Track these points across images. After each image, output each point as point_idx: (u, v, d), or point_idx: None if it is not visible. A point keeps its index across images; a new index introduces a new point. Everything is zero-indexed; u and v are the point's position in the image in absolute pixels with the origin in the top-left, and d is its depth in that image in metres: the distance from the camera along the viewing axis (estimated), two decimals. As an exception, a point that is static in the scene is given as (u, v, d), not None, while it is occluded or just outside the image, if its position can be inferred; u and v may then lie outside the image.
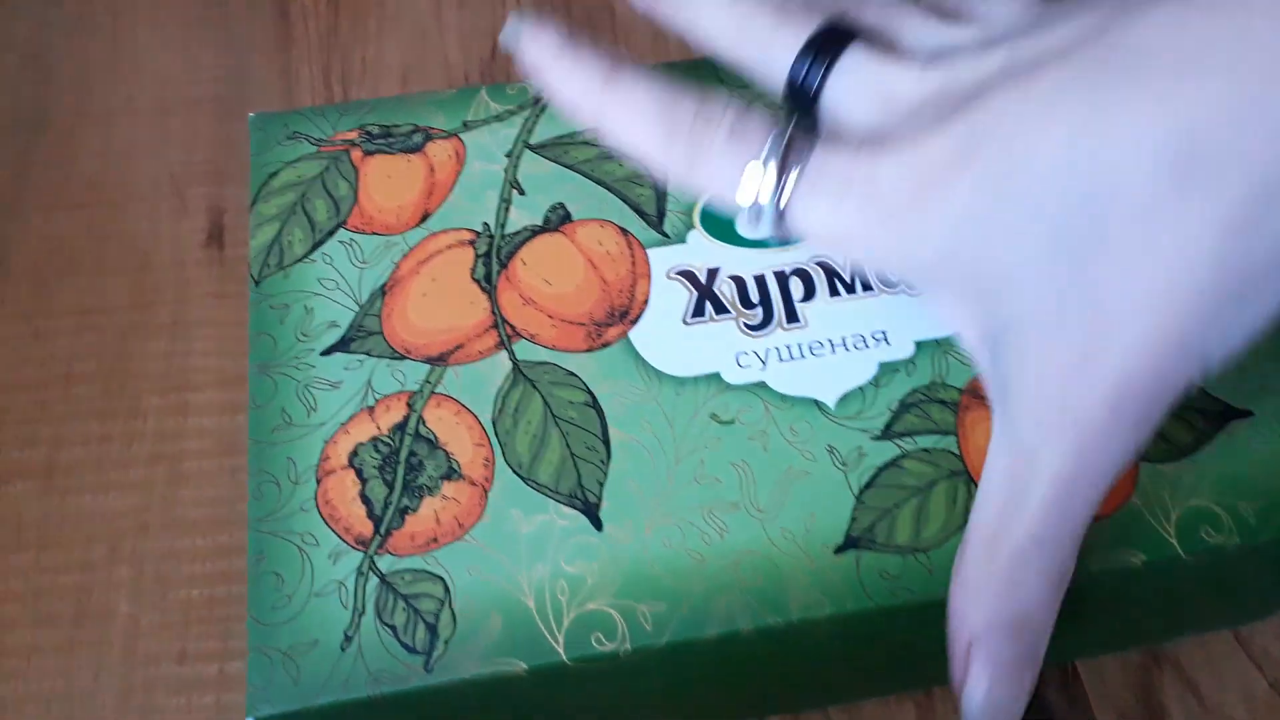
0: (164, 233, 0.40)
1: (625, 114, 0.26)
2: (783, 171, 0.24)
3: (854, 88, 0.26)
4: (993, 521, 0.24)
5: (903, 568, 0.25)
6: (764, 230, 0.25)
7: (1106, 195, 0.21)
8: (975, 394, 0.28)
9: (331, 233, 0.30)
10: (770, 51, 0.27)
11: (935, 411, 0.27)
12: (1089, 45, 0.22)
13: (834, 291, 0.29)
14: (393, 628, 0.25)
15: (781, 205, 0.24)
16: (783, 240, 0.26)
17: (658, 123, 0.25)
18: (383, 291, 0.29)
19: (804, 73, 0.27)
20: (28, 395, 0.37)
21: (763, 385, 0.28)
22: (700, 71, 0.33)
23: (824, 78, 0.26)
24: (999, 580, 0.23)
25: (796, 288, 0.29)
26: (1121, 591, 0.27)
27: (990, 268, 0.23)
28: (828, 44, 0.26)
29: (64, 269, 0.39)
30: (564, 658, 0.25)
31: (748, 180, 0.24)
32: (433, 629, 0.25)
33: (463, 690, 0.25)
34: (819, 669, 0.29)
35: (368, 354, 0.28)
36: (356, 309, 0.29)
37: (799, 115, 0.24)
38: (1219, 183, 0.20)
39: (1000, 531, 0.23)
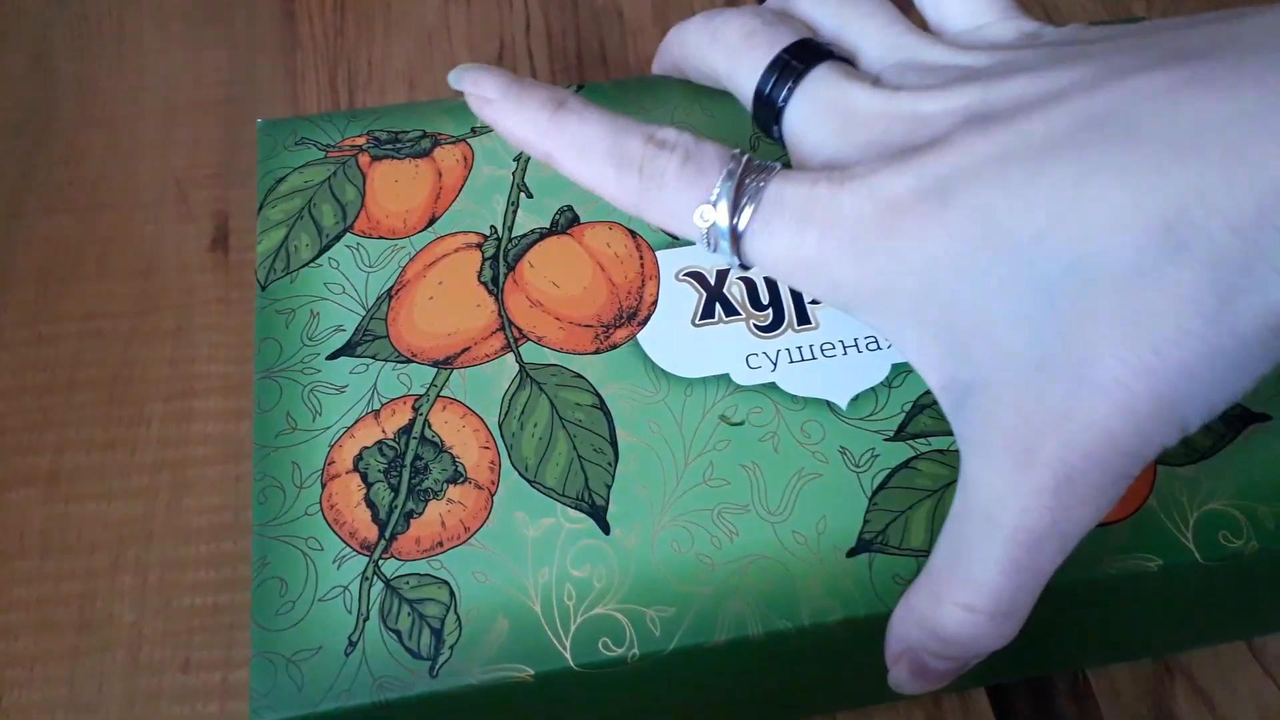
0: (169, 237, 0.40)
1: (574, 148, 0.26)
2: (738, 201, 0.24)
3: (818, 102, 0.26)
4: (944, 571, 0.23)
5: (916, 571, 0.25)
6: (722, 259, 0.25)
7: (1096, 265, 0.20)
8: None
9: (338, 237, 0.30)
10: (741, 63, 0.27)
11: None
12: (1078, 102, 0.21)
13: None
14: (398, 633, 0.25)
15: (739, 231, 0.24)
16: (744, 267, 0.25)
17: (607, 155, 0.25)
18: (389, 295, 0.29)
19: (770, 85, 0.27)
20: (31, 401, 0.37)
21: (773, 386, 0.27)
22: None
23: (791, 91, 0.26)
24: (943, 627, 0.23)
25: (808, 296, 0.29)
26: (1136, 597, 0.27)
27: (967, 318, 0.22)
28: (797, 59, 0.26)
29: (68, 273, 0.39)
30: (571, 664, 0.24)
31: (700, 213, 0.24)
32: (438, 634, 0.25)
33: (468, 696, 0.24)
34: (829, 674, 0.28)
35: (374, 358, 0.28)
36: (363, 313, 0.29)
37: (755, 143, 0.24)
38: (1209, 257, 0.20)
39: (953, 581, 0.23)
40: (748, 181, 0.24)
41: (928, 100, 0.24)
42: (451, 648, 0.25)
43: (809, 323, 0.28)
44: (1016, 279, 0.21)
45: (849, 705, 0.31)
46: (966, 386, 0.23)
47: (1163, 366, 0.20)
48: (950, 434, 0.27)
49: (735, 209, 0.24)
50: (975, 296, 0.22)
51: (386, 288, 0.29)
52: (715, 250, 0.25)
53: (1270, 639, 0.32)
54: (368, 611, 0.25)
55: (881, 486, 0.26)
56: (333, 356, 0.28)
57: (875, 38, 0.26)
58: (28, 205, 0.41)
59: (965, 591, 0.22)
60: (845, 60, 0.27)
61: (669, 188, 0.25)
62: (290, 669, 0.24)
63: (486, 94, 0.27)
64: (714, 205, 0.24)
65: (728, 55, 0.28)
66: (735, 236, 0.24)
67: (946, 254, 0.22)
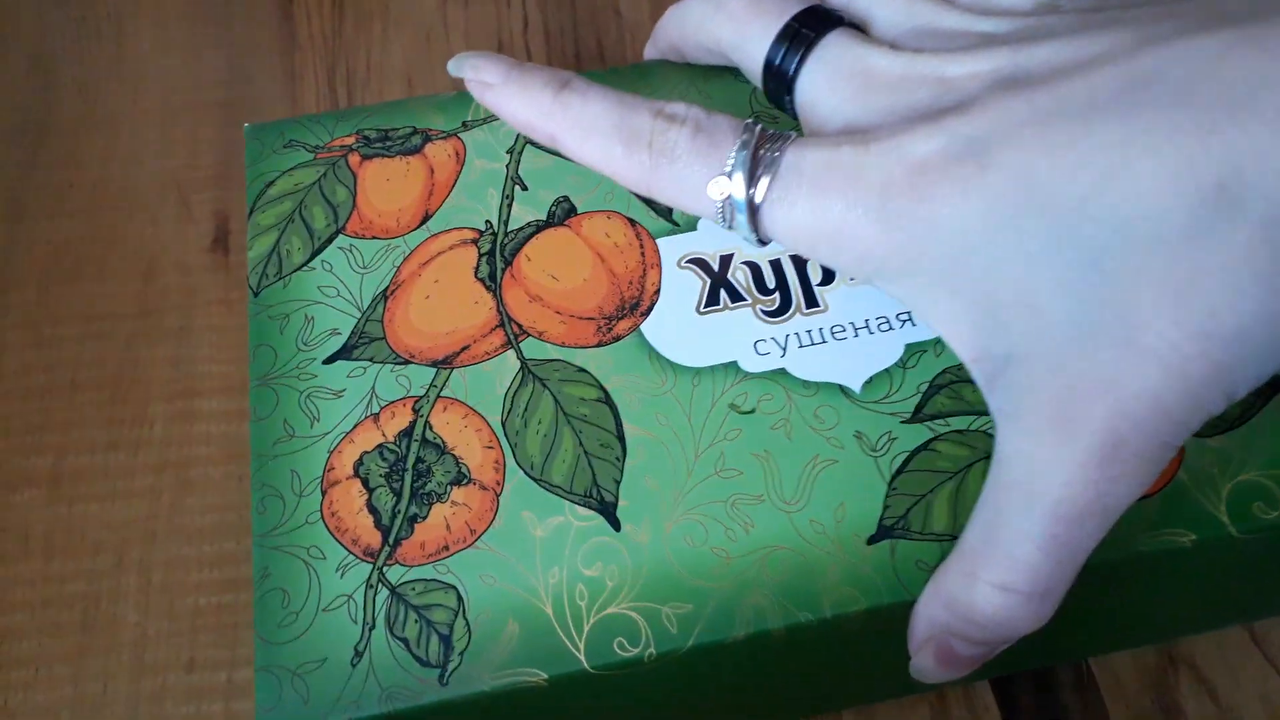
0: (169, 238, 0.40)
1: (579, 128, 0.25)
2: (754, 171, 0.23)
3: (832, 67, 0.25)
4: (978, 548, 0.22)
5: (940, 556, 0.24)
6: (739, 235, 0.24)
7: (1147, 227, 0.20)
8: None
9: (330, 239, 0.29)
10: (748, 34, 0.26)
11: (967, 392, 0.26)
12: (1121, 65, 0.20)
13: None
14: (405, 641, 0.24)
15: (756, 204, 0.23)
16: (762, 243, 0.24)
17: (615, 133, 0.24)
18: (384, 296, 0.28)
19: (781, 55, 0.26)
20: (33, 403, 0.36)
21: (783, 372, 0.27)
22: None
23: (802, 60, 0.25)
24: (976, 609, 0.22)
25: (815, 272, 0.28)
26: (1165, 574, 0.26)
27: (1004, 285, 0.21)
28: (808, 26, 0.25)
29: (69, 275, 0.39)
30: (586, 666, 0.23)
31: (714, 188, 0.23)
32: (446, 640, 0.24)
33: (480, 703, 0.24)
34: (850, 668, 0.27)
35: (371, 360, 0.27)
36: (358, 315, 0.28)
37: (769, 112, 0.23)
38: (1264, 217, 0.19)
39: (987, 559, 0.22)
40: (763, 151, 0.23)
41: (953, 63, 0.23)
42: (461, 654, 0.24)
43: (817, 305, 0.27)
44: (1060, 243, 0.21)
45: (867, 700, 0.30)
46: (1003, 357, 0.22)
47: (1218, 329, 0.19)
48: (970, 413, 0.26)
49: (751, 180, 0.23)
50: (1014, 262, 0.21)
51: (381, 289, 0.28)
52: (731, 226, 0.24)
53: (1273, 628, 0.32)
54: (373, 620, 0.24)
55: (900, 470, 0.25)
56: (329, 361, 0.27)
57: (889, 4, 0.25)
58: (28, 208, 0.40)
59: (1001, 570, 0.21)
60: (857, 27, 0.26)
61: (680, 162, 0.24)
62: (295, 682, 0.23)
63: (487, 79, 0.26)
64: (729, 177, 0.23)
65: (734, 27, 0.27)
66: (752, 209, 0.23)
67: (983, 218, 0.21)
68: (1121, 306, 0.20)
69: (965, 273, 0.22)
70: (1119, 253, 0.20)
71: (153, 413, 0.36)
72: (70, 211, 0.40)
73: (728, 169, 0.23)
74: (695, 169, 0.24)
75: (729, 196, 0.23)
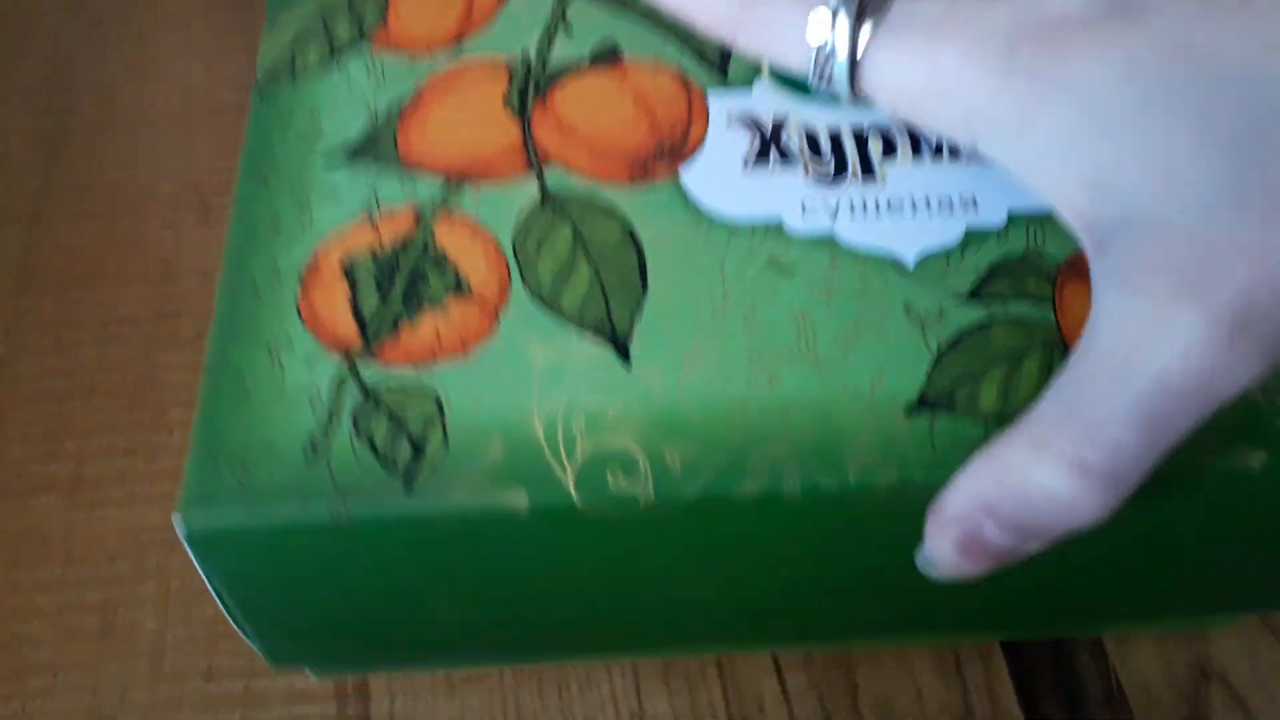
0: (188, 242, 0.39)
1: None
2: (860, 15, 0.21)
3: None
4: (1055, 417, 0.19)
5: (984, 439, 0.21)
6: (837, 90, 0.22)
7: None
8: (1076, 269, 0.24)
9: (352, 48, 0.27)
10: None
11: (1030, 280, 0.23)
12: None
13: (919, 152, 0.25)
14: (372, 442, 0.21)
15: (858, 58, 0.21)
16: (853, 100, 0.22)
17: None
18: (402, 110, 0.26)
19: None
20: (52, 408, 0.36)
21: (830, 237, 0.24)
22: None
23: None
24: (1037, 484, 0.19)
25: (876, 146, 0.25)
26: (1221, 511, 0.23)
27: (1139, 146, 0.19)
28: None
29: (87, 279, 0.39)
30: (574, 497, 0.20)
31: (814, 29, 0.21)
32: (419, 448, 0.21)
33: (449, 524, 0.21)
34: (863, 573, 0.24)
35: (377, 164, 0.25)
36: (371, 123, 0.25)
37: None
38: None
39: (1065, 429, 0.19)
40: None
41: None
42: (435, 465, 0.21)
43: (874, 177, 0.25)
44: (1211, 110, 0.18)
45: (873, 636, 0.27)
46: (1121, 220, 0.19)
47: None
48: (1029, 300, 0.23)
49: (857, 22, 0.21)
50: (1153, 125, 0.19)
51: (400, 101, 0.26)
52: (824, 78, 0.21)
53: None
54: (339, 416, 0.21)
55: (950, 346, 0.22)
56: (332, 163, 0.25)
57: None
58: (47, 211, 0.40)
59: (1079, 442, 0.18)
60: None
61: (779, 4, 0.21)
62: (235, 466, 0.20)
63: None
64: (833, 18, 0.21)
65: None
66: (853, 59, 0.21)
67: (1126, 77, 0.19)
68: (1273, 177, 0.18)
69: (1091, 134, 0.19)
70: (1275, 124, 0.18)
71: (171, 418, 0.35)
72: (88, 215, 0.40)
73: (831, 5, 0.21)
74: (791, 11, 0.21)
75: (827, 44, 0.21)
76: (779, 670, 0.31)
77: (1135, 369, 0.18)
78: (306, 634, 0.24)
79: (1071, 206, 0.20)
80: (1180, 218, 0.19)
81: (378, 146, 0.25)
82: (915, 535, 0.21)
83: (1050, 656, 0.31)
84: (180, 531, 0.20)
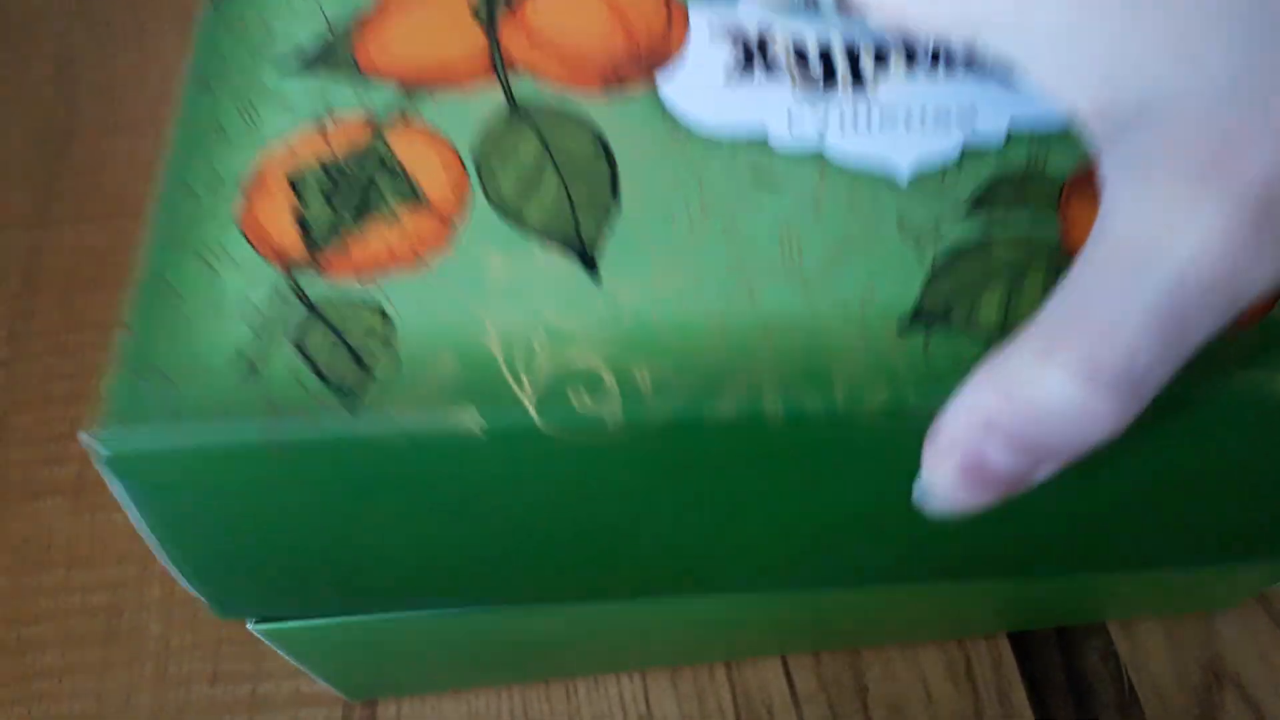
0: None
1: None
2: None
3: None
4: (1064, 320, 0.17)
5: (985, 355, 0.19)
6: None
7: None
8: (1081, 184, 0.22)
9: (308, -43, 0.25)
10: None
11: (1032, 195, 0.22)
12: None
13: (913, 62, 0.23)
14: (312, 361, 0.19)
15: None
16: (845, 10, 0.20)
17: None
18: (362, 17, 0.24)
19: None
20: (56, 411, 0.36)
21: (818, 151, 0.22)
22: None
23: None
24: (1045, 392, 0.17)
25: (868, 58, 0.24)
26: (1242, 445, 0.21)
27: (1159, 33, 0.17)
28: None
29: (92, 282, 0.39)
30: (534, 418, 0.19)
31: None
32: (363, 363, 0.19)
33: (396, 449, 0.19)
34: (860, 503, 0.22)
35: (331, 72, 0.23)
36: (328, 32, 0.24)
37: None
38: None
39: (1074, 332, 0.17)
40: None
41: None
42: (380, 382, 0.19)
43: (865, 88, 0.23)
44: (1245, 5, 0.17)
45: (866, 578, 0.25)
46: (1135, 104, 0.17)
47: None
48: (1031, 215, 0.21)
49: None
50: (1175, 10, 0.17)
51: (360, 9, 0.24)
52: None
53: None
54: (277, 330, 0.19)
55: (947, 261, 0.21)
56: (284, 72, 0.23)
57: None
58: (51, 214, 0.40)
59: (1091, 346, 0.16)
60: None
61: None
62: (161, 382, 0.19)
63: None
64: None
65: None
66: None
67: None
68: None
69: (1104, 10, 0.18)
70: None
71: (176, 422, 0.35)
72: (93, 217, 0.40)
73: None
74: None
75: None
76: (788, 673, 0.30)
77: (1151, 262, 0.16)
78: (246, 577, 0.22)
79: (1083, 92, 0.18)
80: (1200, 100, 0.17)
81: (335, 55, 0.23)
82: (912, 469, 0.19)
83: (1061, 658, 0.30)
84: (97, 453, 0.18)
